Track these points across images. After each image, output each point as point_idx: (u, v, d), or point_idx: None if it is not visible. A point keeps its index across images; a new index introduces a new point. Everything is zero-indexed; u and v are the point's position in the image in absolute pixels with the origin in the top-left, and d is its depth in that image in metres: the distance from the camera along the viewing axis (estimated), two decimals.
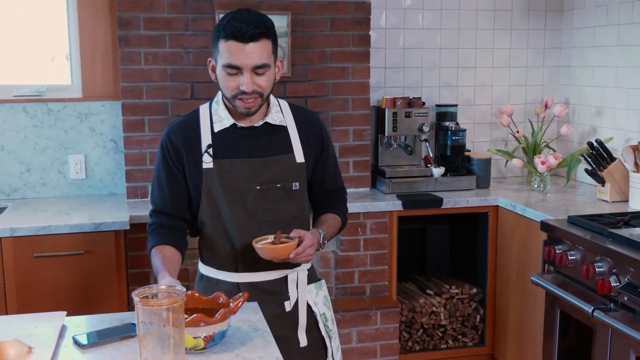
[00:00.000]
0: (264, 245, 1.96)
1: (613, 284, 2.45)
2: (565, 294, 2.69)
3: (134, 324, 1.75)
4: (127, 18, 3.33)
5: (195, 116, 2.07)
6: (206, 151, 2.00)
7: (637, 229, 2.69)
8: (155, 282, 1.90)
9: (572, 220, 2.88)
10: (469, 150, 3.94)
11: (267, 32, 1.93)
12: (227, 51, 1.90)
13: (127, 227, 3.04)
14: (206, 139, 2.02)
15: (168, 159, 2.04)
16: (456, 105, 3.93)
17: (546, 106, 3.92)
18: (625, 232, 2.63)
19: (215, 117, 2.04)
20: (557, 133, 3.95)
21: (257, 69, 1.92)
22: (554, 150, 3.87)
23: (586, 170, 3.44)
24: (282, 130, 2.08)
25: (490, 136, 4.13)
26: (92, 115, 3.56)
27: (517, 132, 3.90)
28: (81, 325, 1.87)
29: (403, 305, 3.61)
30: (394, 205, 3.48)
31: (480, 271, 3.73)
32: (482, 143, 4.10)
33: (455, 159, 3.81)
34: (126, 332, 1.78)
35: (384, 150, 3.80)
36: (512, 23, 4.06)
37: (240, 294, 1.77)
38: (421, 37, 3.96)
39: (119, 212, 3.18)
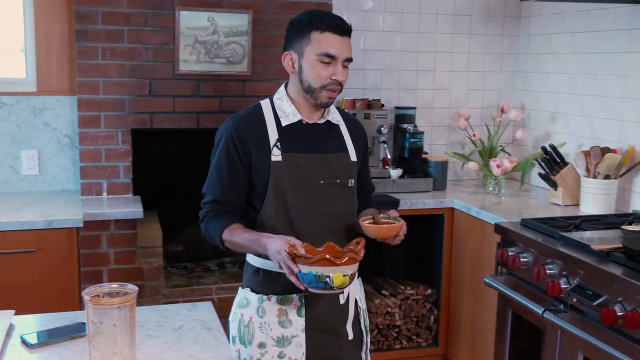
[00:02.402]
0: (370, 224, 2.07)
1: (563, 285, 2.50)
2: (516, 296, 2.74)
3: (84, 323, 1.72)
4: (85, 12, 3.27)
5: (259, 110, 2.12)
6: (275, 144, 2.06)
7: (587, 232, 2.75)
8: (253, 252, 2.07)
9: (525, 223, 2.93)
10: (427, 153, 3.98)
11: (351, 31, 2.08)
12: (324, 41, 2.00)
13: (81, 225, 2.99)
14: (273, 133, 2.07)
15: (232, 150, 2.07)
16: (415, 108, 3.97)
17: (502, 111, 3.98)
18: (575, 235, 2.69)
19: (280, 112, 2.11)
20: (512, 137, 4.02)
21: (345, 62, 2.04)
22: (509, 154, 3.94)
23: (540, 175, 3.51)
24: (337, 129, 2.20)
25: (447, 139, 4.18)
26: (46, 110, 3.49)
27: (474, 135, 3.96)
28: (30, 324, 1.83)
29: None
30: None
31: (435, 272, 3.77)
32: (439, 146, 4.14)
33: (413, 161, 3.84)
34: (76, 331, 1.75)
35: None
36: (471, 28, 4.12)
37: (357, 239, 1.97)
38: (382, 40, 3.98)
39: (72, 209, 3.13)
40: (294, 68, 2.07)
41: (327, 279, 1.83)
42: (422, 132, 3.85)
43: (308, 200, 2.09)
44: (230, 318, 2.16)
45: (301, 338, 2.09)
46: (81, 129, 3.35)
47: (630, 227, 2.72)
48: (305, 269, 1.83)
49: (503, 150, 3.99)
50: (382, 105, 3.85)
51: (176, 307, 2.01)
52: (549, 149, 3.49)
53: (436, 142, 4.15)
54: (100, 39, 3.31)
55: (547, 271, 2.60)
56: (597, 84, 3.50)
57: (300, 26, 2.04)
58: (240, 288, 2.19)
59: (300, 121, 2.11)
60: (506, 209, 3.35)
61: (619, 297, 2.26)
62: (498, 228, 2.98)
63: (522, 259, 2.79)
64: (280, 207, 2.07)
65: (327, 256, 1.83)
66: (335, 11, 3.71)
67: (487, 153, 3.92)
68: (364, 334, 2.27)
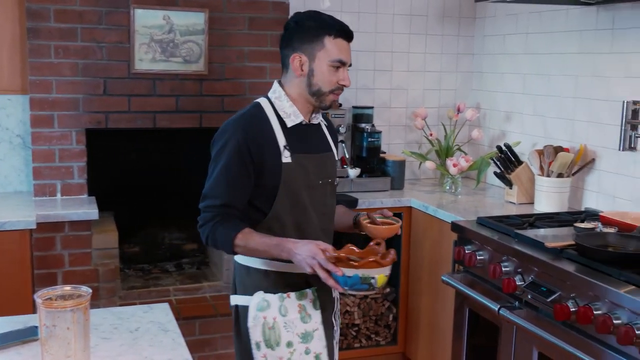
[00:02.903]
0: (369, 224, 2.14)
1: (518, 282, 2.54)
2: (473, 293, 2.77)
3: (36, 327, 1.69)
4: (37, 9, 3.20)
5: (260, 110, 2.09)
6: (285, 146, 2.06)
7: (542, 230, 2.80)
8: (269, 257, 2.05)
9: (481, 222, 2.97)
10: (384, 152, 4.01)
11: None
12: (336, 47, 2.04)
13: (34, 227, 2.93)
14: (280, 134, 2.07)
15: (245, 154, 2.03)
16: (372, 108, 3.99)
17: (459, 110, 4.03)
18: (530, 233, 2.73)
19: (282, 113, 2.10)
20: (468, 137, 4.07)
21: (349, 66, 2.10)
22: (466, 153, 3.99)
23: (495, 173, 3.56)
24: (321, 129, 2.24)
25: (405, 138, 4.21)
26: None
27: (431, 135, 4.00)
28: None
29: None
30: None
31: (393, 271, 3.78)
32: (397, 145, 4.17)
33: (371, 160, 3.86)
34: (29, 335, 1.71)
35: None
36: (427, 28, 4.16)
37: (377, 240, 2.04)
38: None
39: (25, 210, 3.06)
40: (302, 70, 2.06)
41: (372, 280, 1.88)
42: (380, 132, 3.88)
43: (311, 200, 2.12)
44: (250, 324, 2.06)
45: (321, 331, 2.12)
46: (34, 128, 3.28)
47: (582, 225, 2.78)
48: (350, 271, 1.86)
49: (459, 149, 4.04)
50: (340, 105, 3.86)
51: (132, 309, 1.98)
52: (504, 148, 3.55)
53: (394, 141, 4.18)
54: (53, 37, 3.24)
55: (503, 268, 2.64)
56: (550, 84, 3.57)
57: (310, 30, 2.05)
58: (244, 295, 2.11)
59: (301, 122, 2.12)
60: (462, 208, 3.39)
61: (572, 293, 2.30)
62: (455, 226, 3.02)
63: (478, 257, 2.82)
64: (291, 208, 2.08)
65: (374, 258, 1.89)
66: (292, 10, 3.69)
67: (444, 152, 3.96)
68: (337, 325, 2.32)
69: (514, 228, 2.78)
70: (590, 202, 3.30)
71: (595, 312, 2.20)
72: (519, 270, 2.57)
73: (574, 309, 2.27)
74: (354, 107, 3.99)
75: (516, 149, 3.58)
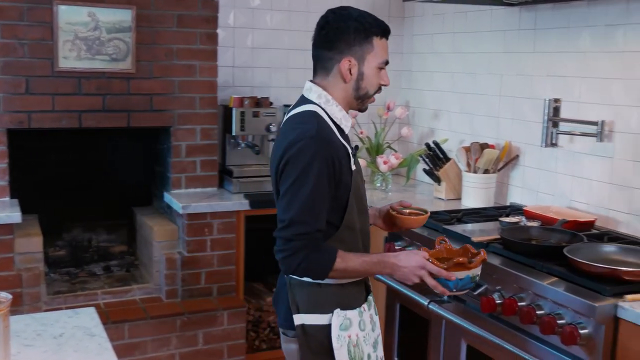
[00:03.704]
0: (399, 215, 2.21)
1: None
2: (403, 289, 2.80)
3: None
4: None
5: (323, 121, 1.94)
6: (351, 153, 1.99)
7: (469, 225, 2.87)
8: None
9: None
10: None
11: None
12: (382, 49, 1.98)
13: None
14: (341, 141, 1.96)
15: (331, 173, 1.89)
16: None
17: (388, 108, 4.08)
18: (458, 228, 2.80)
19: (335, 119, 1.99)
20: (398, 134, 4.12)
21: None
22: (396, 151, 4.04)
23: (424, 170, 3.62)
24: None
25: None
26: None
27: (361, 133, 4.03)
28: None
29: (250, 304, 3.61)
30: (241, 204, 3.48)
31: None
32: None
33: None
34: None
35: (232, 149, 3.79)
36: None
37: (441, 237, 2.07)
38: (270, 38, 3.98)
39: None
40: (351, 74, 1.97)
41: (477, 278, 1.96)
42: None
43: (365, 205, 2.10)
44: (335, 345, 1.92)
45: (380, 335, 2.11)
46: None
47: (507, 219, 2.86)
48: (461, 274, 1.90)
49: (389, 147, 4.09)
50: (271, 104, 3.85)
51: (57, 314, 1.93)
52: (432, 145, 3.61)
53: None
54: None
55: None
56: (477, 82, 3.65)
57: (359, 31, 1.95)
58: (315, 314, 1.96)
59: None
60: None
61: (498, 286, 2.37)
62: None
63: None
64: (359, 216, 2.03)
65: (483, 256, 1.95)
66: (222, 9, 3.68)
67: (374, 150, 4.00)
68: None
69: (442, 223, 2.84)
70: (515, 197, 3.39)
71: (519, 304, 2.26)
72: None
73: (499, 302, 2.33)
74: (285, 106, 3.97)
75: (444, 146, 3.65)
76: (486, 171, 3.34)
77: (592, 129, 2.88)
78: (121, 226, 3.96)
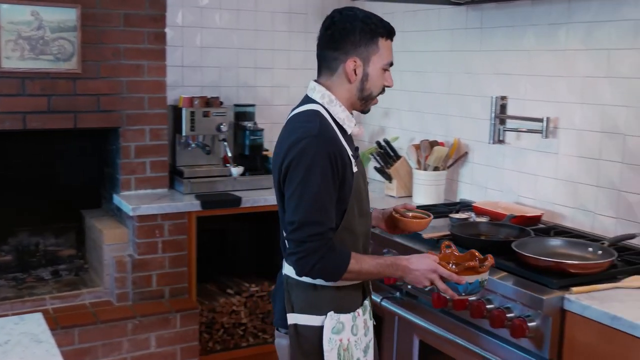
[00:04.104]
0: (401, 218, 2.24)
1: None
2: None
3: None
4: None
5: (325, 120, 1.93)
6: (352, 155, 1.97)
7: None
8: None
9: None
10: (267, 150, 4.01)
11: None
12: (388, 50, 1.98)
13: None
14: (344, 142, 1.95)
15: (334, 172, 1.87)
16: (254, 106, 3.98)
17: None
18: None
19: (338, 120, 1.98)
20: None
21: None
22: None
23: (375, 168, 3.65)
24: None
25: None
26: None
27: None
28: None
29: (203, 306, 3.58)
30: (192, 205, 3.45)
31: (278, 268, 3.80)
32: None
33: (254, 158, 3.85)
34: None
35: (182, 150, 3.75)
36: (306, 26, 4.19)
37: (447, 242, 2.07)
38: (219, 37, 3.95)
39: None
40: (356, 75, 1.96)
41: (485, 283, 1.96)
42: (262, 129, 3.88)
43: (366, 205, 2.09)
44: (326, 348, 1.92)
45: (373, 340, 2.08)
46: None
47: (457, 215, 2.90)
48: (471, 278, 1.91)
49: None
50: (221, 103, 3.82)
51: (2, 321, 1.87)
52: (383, 143, 3.64)
53: (276, 138, 4.15)
54: None
55: None
56: (426, 80, 3.69)
57: (365, 32, 1.94)
58: (309, 315, 1.95)
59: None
60: None
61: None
62: None
63: None
64: (359, 218, 2.01)
65: (490, 261, 1.95)
66: (170, 8, 3.64)
67: None
68: None
69: None
70: (465, 193, 3.44)
71: (470, 299, 2.30)
72: None
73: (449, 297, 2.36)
74: (236, 105, 3.96)
75: (395, 144, 3.68)
76: (436, 168, 3.39)
77: (537, 125, 2.94)
78: (69, 229, 3.87)
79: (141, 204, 3.37)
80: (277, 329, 2.05)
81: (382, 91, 2.04)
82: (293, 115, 1.99)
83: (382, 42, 1.97)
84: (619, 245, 2.47)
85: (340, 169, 1.89)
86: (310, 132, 1.87)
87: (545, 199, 2.99)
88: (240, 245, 4.11)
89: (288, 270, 2.00)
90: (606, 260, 2.24)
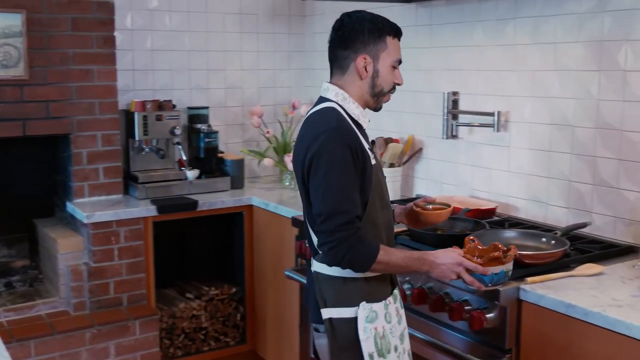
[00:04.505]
0: (422, 211, 2.26)
1: None
2: None
3: None
4: None
5: (340, 114, 1.98)
6: (369, 148, 2.03)
7: None
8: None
9: None
10: (222, 152, 3.99)
11: None
12: (395, 48, 2.05)
13: None
14: (361, 136, 2.00)
15: (355, 162, 1.93)
16: (208, 108, 3.95)
17: (294, 107, 4.09)
18: None
19: (353, 115, 2.03)
20: None
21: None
22: None
23: None
24: None
25: (242, 137, 4.21)
26: None
27: (268, 132, 4.03)
28: None
29: (163, 312, 3.54)
30: (148, 211, 3.41)
31: (238, 270, 3.79)
32: (234, 144, 4.16)
33: (209, 160, 3.83)
34: None
35: (136, 155, 3.70)
36: (258, 27, 4.18)
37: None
38: (169, 39, 3.91)
39: None
40: (367, 72, 2.02)
41: (510, 273, 2.01)
42: (217, 132, 3.85)
43: (387, 199, 2.11)
44: (362, 337, 1.95)
45: (407, 328, 2.09)
46: None
47: None
48: (496, 269, 1.96)
49: None
50: (174, 106, 3.79)
51: None
52: None
53: (231, 140, 4.17)
54: None
55: None
56: None
57: (373, 31, 2.02)
58: (342, 308, 1.97)
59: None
60: None
61: (407, 277, 2.42)
62: (295, 221, 3.06)
63: None
64: (381, 210, 2.03)
65: (514, 252, 1.99)
66: (118, 11, 3.59)
67: (282, 149, 4.01)
68: None
69: None
70: (421, 188, 3.48)
71: (429, 294, 2.32)
72: None
73: (409, 292, 2.38)
74: (189, 108, 3.93)
75: None
76: (391, 165, 3.41)
77: (489, 119, 2.99)
78: (22, 239, 3.79)
79: (95, 211, 3.31)
80: (315, 329, 2.07)
81: (393, 89, 2.10)
82: (309, 115, 2.04)
83: (389, 40, 2.05)
84: (571, 235, 2.53)
85: (361, 160, 1.95)
86: (329, 125, 1.94)
87: (499, 192, 3.04)
88: (198, 249, 4.08)
89: (317, 266, 2.03)
90: (559, 250, 2.29)
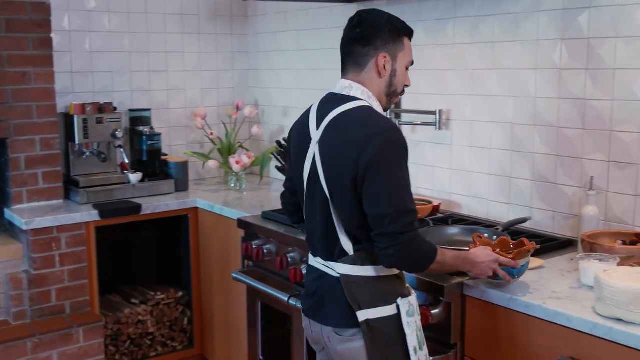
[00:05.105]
0: None
1: (304, 271, 2.62)
2: (263, 287, 2.82)
3: None
4: None
5: (377, 112, 1.99)
6: None
7: None
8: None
9: (266, 216, 3.03)
10: (166, 154, 3.94)
11: None
12: (410, 49, 2.06)
13: None
14: None
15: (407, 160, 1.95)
16: (150, 110, 3.89)
17: (237, 108, 4.07)
18: None
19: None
20: (249, 133, 4.13)
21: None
22: (248, 150, 4.04)
23: (277, 167, 3.65)
24: None
25: (186, 139, 4.16)
26: None
27: (212, 134, 4.00)
28: None
29: (107, 318, 3.48)
30: (90, 215, 3.34)
31: (185, 274, 3.75)
32: (178, 146, 4.12)
33: (152, 163, 3.77)
34: None
35: (76, 158, 3.62)
36: (199, 27, 4.14)
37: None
38: (109, 41, 3.84)
39: None
40: (385, 70, 2.00)
41: (528, 264, 2.11)
42: (160, 134, 3.80)
43: None
44: (407, 332, 1.94)
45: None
46: None
47: None
48: (522, 261, 2.06)
49: (241, 146, 4.08)
50: (115, 109, 3.72)
51: None
52: (283, 142, 3.64)
53: (175, 142, 4.12)
54: None
55: (289, 259, 2.72)
56: (322, 78, 3.73)
57: (393, 31, 2.01)
58: (378, 308, 1.93)
59: None
60: (248, 204, 3.44)
61: None
62: (241, 223, 3.05)
63: (265, 251, 2.88)
64: None
65: (532, 245, 2.08)
66: (55, 11, 3.51)
67: (226, 150, 3.98)
68: None
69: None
70: None
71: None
72: (305, 259, 2.66)
73: None
74: (131, 110, 3.86)
75: None
76: None
77: (431, 118, 3.04)
78: None
79: (35, 217, 3.23)
80: (337, 334, 1.99)
81: (403, 91, 2.10)
82: (342, 115, 1.97)
83: (406, 41, 2.06)
84: (512, 230, 2.59)
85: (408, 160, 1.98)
86: (387, 125, 1.93)
87: (442, 189, 3.09)
88: (143, 254, 4.02)
89: (346, 269, 1.96)
90: None
